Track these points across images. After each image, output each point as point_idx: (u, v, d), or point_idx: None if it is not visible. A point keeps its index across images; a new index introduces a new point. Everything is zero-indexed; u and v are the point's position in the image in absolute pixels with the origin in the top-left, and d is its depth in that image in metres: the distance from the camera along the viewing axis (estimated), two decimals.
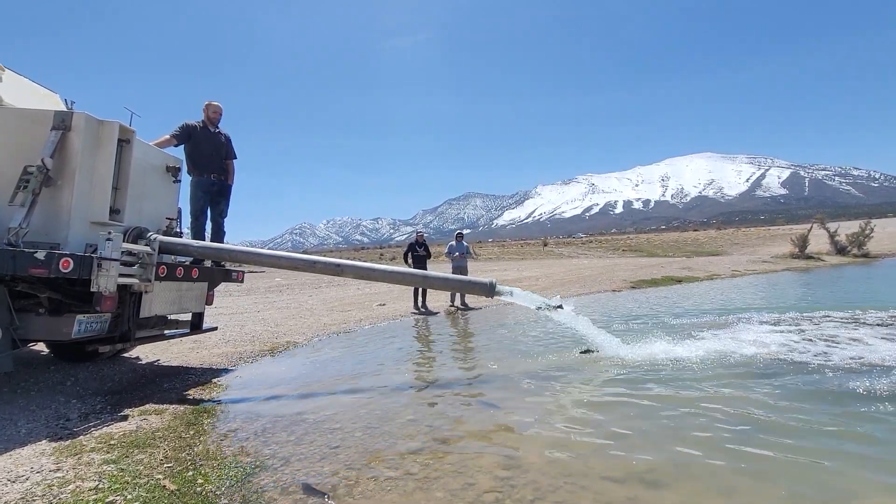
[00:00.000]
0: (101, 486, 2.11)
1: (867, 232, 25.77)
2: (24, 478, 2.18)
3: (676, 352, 4.53)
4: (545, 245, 53.80)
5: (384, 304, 11.22)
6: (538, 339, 5.85)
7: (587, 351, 4.71)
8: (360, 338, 7.12)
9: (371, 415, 3.23)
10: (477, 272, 19.65)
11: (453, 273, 10.98)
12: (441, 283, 4.89)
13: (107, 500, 1.97)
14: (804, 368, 3.86)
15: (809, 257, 23.55)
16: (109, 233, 3.50)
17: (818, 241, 26.28)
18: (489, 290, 4.60)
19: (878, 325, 5.69)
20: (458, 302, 10.85)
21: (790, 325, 5.94)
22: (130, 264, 3.78)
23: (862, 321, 5.97)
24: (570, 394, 3.48)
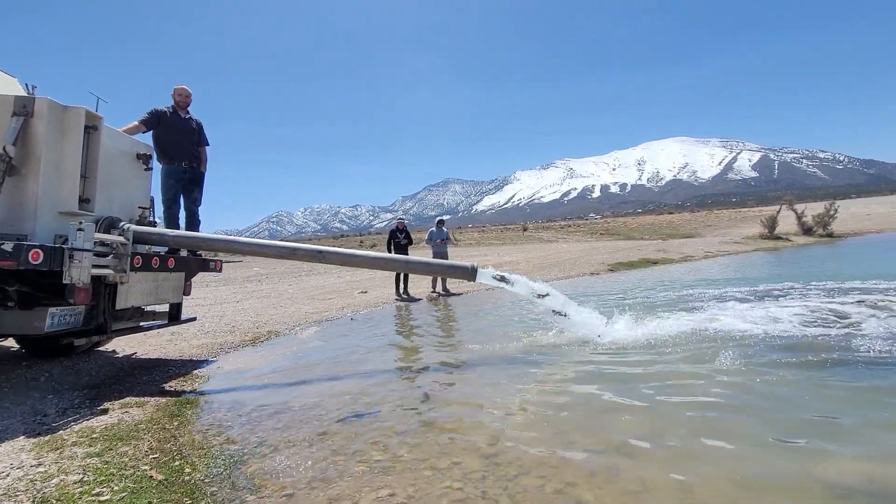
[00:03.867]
0: (85, 478, 2.09)
1: (832, 213, 26.82)
2: (3, 474, 2.14)
3: (650, 329, 4.68)
4: (525, 230, 54.24)
5: (366, 292, 11.19)
6: (519, 322, 5.95)
7: (558, 313, 4.66)
8: (343, 326, 7.11)
9: (357, 401, 3.26)
10: (457, 258, 19.71)
11: (434, 258, 11.05)
12: (423, 268, 4.92)
13: (93, 492, 1.96)
14: (772, 341, 4.05)
15: (778, 238, 24.41)
16: (80, 222, 3.39)
17: (786, 221, 27.25)
18: (471, 273, 4.65)
19: (823, 293, 5.99)
20: (439, 288, 10.91)
21: (758, 298, 6.20)
22: (104, 255, 3.68)
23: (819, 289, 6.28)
24: (550, 373, 3.58)
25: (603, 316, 4.79)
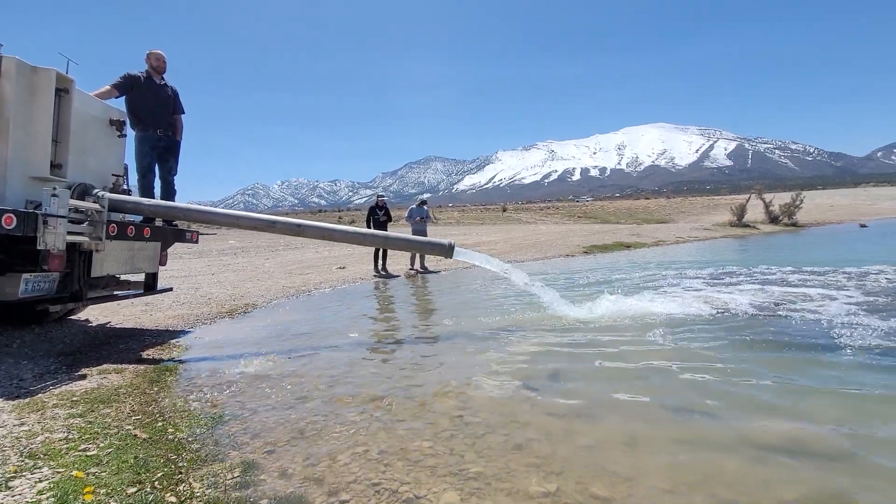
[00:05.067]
0: (70, 436, 2.17)
1: (797, 203, 27.96)
2: None
3: (616, 306, 4.94)
4: (504, 210, 54.56)
5: (344, 268, 11.23)
6: (492, 300, 6.15)
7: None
8: (321, 300, 7.19)
9: (335, 369, 3.39)
10: (436, 235, 19.81)
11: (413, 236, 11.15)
12: (402, 244, 5.01)
13: (79, 448, 2.04)
14: (720, 319, 4.34)
15: (746, 225, 25.34)
16: (54, 188, 3.35)
17: (755, 210, 28.30)
18: (448, 250, 4.77)
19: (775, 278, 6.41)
20: (417, 265, 11.05)
21: (713, 280, 6.56)
22: (79, 222, 3.65)
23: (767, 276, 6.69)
24: (518, 346, 3.78)
25: (564, 299, 5.03)
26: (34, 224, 3.25)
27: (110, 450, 2.05)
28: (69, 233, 3.43)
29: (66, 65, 4.28)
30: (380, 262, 10.78)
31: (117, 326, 5.15)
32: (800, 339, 3.60)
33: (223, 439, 2.24)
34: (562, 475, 1.81)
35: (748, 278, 7.04)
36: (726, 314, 4.63)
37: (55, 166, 3.98)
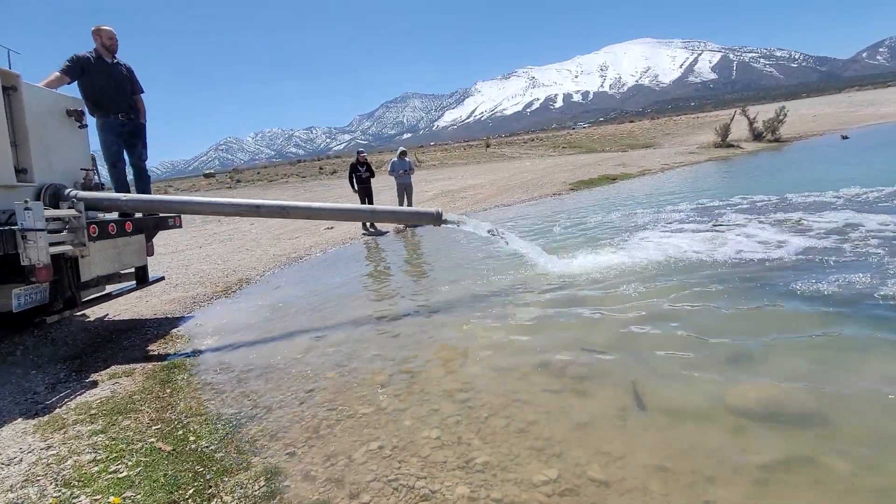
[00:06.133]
0: (98, 457, 2.29)
1: (780, 118, 27.90)
2: (17, 459, 2.31)
3: (602, 260, 5.08)
4: (488, 146, 53.50)
5: (332, 228, 11.17)
6: (485, 257, 6.24)
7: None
8: (314, 269, 7.23)
9: (338, 353, 3.52)
10: (422, 182, 19.54)
11: (398, 190, 11.04)
12: (390, 216, 5.01)
13: (110, 469, 2.17)
14: (698, 267, 4.51)
15: (730, 145, 25.35)
16: (26, 201, 3.23)
17: (740, 126, 28.32)
18: (436, 219, 4.79)
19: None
20: None
21: (698, 214, 6.71)
22: (58, 231, 3.56)
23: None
24: (512, 314, 3.92)
25: (550, 255, 5.16)
26: (13, 240, 3.18)
27: (139, 468, 2.18)
28: (51, 244, 3.37)
29: (8, 57, 3.96)
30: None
31: (116, 319, 5.20)
32: (756, 287, 3.79)
33: (244, 444, 2.38)
34: (561, 456, 2.00)
35: (716, 217, 7.19)
36: (701, 262, 4.79)
37: (20, 171, 3.81)
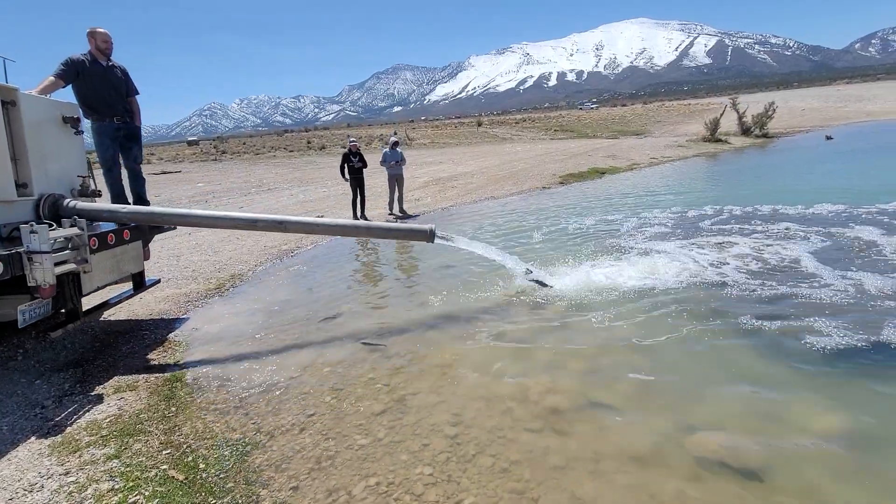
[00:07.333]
0: (116, 486, 2.49)
1: (769, 113, 28.37)
2: (38, 486, 2.49)
3: (598, 280, 5.33)
4: (480, 125, 53.09)
5: (322, 216, 11.21)
6: (479, 261, 6.43)
7: (536, 280, 5.31)
8: (305, 266, 7.34)
9: (334, 374, 3.72)
10: (412, 166, 19.45)
11: (389, 181, 11.13)
12: (383, 233, 5.16)
13: (128, 500, 2.37)
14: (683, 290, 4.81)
15: (718, 140, 25.75)
16: (32, 225, 3.31)
17: (729, 118, 28.77)
18: (429, 236, 4.95)
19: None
20: (396, 210, 11.19)
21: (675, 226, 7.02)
22: (62, 249, 3.64)
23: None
24: (504, 334, 4.17)
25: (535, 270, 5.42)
26: (20, 263, 3.27)
27: (156, 500, 2.39)
28: (56, 264, 3.46)
29: (3, 66, 3.93)
30: (358, 209, 10.87)
31: (112, 319, 5.30)
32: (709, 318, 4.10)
33: (251, 475, 2.60)
34: (538, 501, 2.26)
35: (691, 232, 7.51)
36: (680, 283, 5.09)
37: (20, 186, 3.85)
